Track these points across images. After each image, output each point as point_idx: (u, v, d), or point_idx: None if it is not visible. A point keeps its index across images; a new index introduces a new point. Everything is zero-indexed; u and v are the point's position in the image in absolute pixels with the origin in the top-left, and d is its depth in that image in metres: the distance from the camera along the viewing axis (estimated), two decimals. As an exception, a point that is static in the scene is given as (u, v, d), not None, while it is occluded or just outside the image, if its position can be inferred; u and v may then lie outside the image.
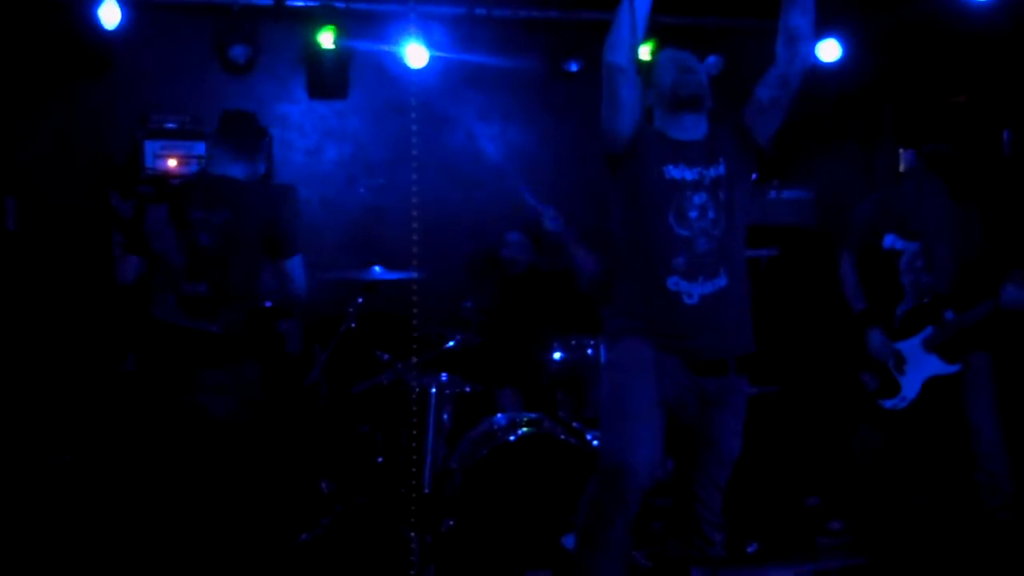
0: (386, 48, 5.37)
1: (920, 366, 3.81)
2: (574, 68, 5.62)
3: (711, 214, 2.93)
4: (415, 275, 4.31)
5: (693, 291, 2.87)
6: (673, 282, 2.87)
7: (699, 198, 2.94)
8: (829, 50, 5.59)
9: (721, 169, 2.98)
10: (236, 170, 3.53)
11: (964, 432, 3.74)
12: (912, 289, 3.81)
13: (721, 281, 2.90)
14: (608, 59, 2.89)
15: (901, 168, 3.97)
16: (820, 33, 5.59)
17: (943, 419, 3.83)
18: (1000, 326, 3.71)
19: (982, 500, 3.73)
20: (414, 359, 4.33)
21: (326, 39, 5.15)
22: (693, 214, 2.92)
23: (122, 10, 4.74)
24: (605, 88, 2.94)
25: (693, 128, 3.01)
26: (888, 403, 3.87)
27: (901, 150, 3.97)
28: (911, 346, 3.82)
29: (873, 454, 3.95)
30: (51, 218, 4.92)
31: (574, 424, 4.00)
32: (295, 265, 3.56)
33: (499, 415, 4.02)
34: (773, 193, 5.39)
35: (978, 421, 3.71)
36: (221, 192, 3.47)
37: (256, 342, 3.54)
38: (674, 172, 2.94)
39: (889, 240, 3.89)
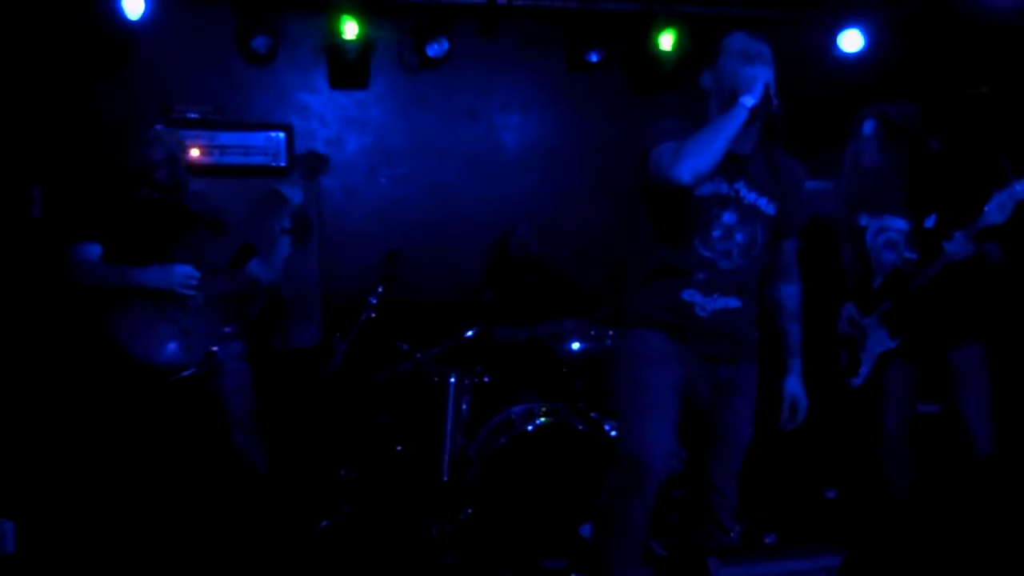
0: (407, 38, 5.39)
1: (874, 341, 3.78)
2: (595, 59, 5.59)
3: (739, 237, 2.86)
4: (437, 267, 4.35)
5: (707, 305, 2.88)
6: (689, 294, 2.88)
7: (729, 216, 2.85)
8: (851, 40, 5.55)
9: (772, 209, 2.92)
10: None
11: (959, 426, 3.65)
12: (876, 265, 3.78)
13: (734, 302, 2.90)
14: (680, 179, 2.67)
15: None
16: (843, 23, 5.56)
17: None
18: (993, 315, 3.65)
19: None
20: (433, 349, 4.37)
21: (349, 29, 5.16)
22: (716, 233, 2.84)
23: (145, 1, 4.79)
24: (657, 187, 2.80)
25: (742, 137, 2.78)
26: (853, 381, 3.84)
27: (862, 118, 3.81)
28: (871, 321, 3.79)
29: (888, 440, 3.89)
30: (76, 206, 4.98)
31: (592, 414, 4.01)
32: None
33: (517, 405, 4.04)
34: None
35: (972, 417, 3.61)
36: None
37: None
38: (705, 188, 2.81)
39: (858, 217, 3.86)
